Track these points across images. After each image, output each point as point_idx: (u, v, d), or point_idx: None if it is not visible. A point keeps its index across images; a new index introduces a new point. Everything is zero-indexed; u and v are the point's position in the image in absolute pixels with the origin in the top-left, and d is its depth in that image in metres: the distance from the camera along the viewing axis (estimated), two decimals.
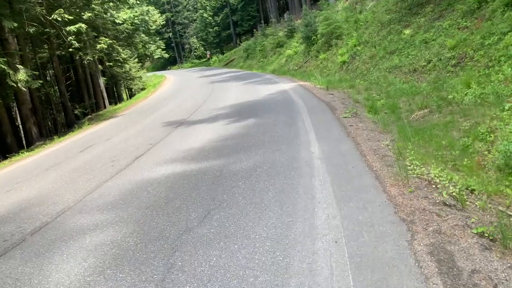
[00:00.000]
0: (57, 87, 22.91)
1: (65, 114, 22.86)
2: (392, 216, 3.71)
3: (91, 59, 25.72)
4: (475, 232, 3.32)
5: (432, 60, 12.55)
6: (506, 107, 6.63)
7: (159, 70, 60.18)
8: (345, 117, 8.51)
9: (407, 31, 16.31)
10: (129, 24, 25.35)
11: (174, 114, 14.33)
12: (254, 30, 43.05)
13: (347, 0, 27.85)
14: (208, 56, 55.47)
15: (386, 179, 4.63)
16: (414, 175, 4.69)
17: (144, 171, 7.08)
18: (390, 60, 15.56)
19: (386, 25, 18.65)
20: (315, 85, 15.62)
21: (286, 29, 33.43)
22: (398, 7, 19.23)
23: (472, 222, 3.54)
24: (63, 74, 28.42)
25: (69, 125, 21.66)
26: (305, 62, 25.18)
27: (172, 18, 65.32)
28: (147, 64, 67.17)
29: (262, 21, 43.39)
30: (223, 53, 53.77)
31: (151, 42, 42.90)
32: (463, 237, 3.24)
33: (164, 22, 59.93)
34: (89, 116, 23.83)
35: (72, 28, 14.77)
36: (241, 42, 48.69)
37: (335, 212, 3.98)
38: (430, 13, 15.83)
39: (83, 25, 14.89)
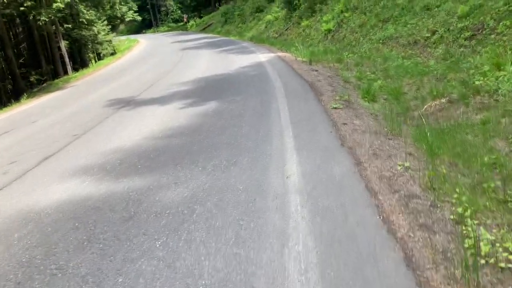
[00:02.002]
0: (2, 52, 19.67)
1: (13, 83, 19.79)
2: None
3: (46, 19, 22.44)
4: None
5: (438, 31, 10.14)
6: None
7: (134, 34, 56.12)
8: (335, 108, 6.08)
9: None
10: None
11: (127, 88, 11.68)
12: None
13: None
14: (185, 20, 51.61)
15: (434, 274, 2.27)
16: (484, 265, 2.35)
17: (37, 189, 4.60)
18: (383, 29, 13.08)
19: None
20: (296, 57, 13.07)
21: None
22: None
23: None
24: (16, 36, 25.07)
25: (17, 94, 18.69)
26: (286, 29, 22.44)
27: None
28: (121, 27, 62.75)
29: None
30: (201, 17, 50.01)
31: (122, 3, 39.14)
32: None
33: None
34: (43, 84, 20.82)
35: None
36: (220, 6, 45.13)
37: None
38: None
39: None
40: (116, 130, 6.89)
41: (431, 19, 10.95)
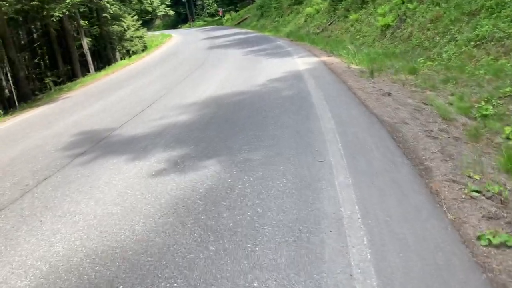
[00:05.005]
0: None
1: (17, 88, 16.94)
2: None
3: (60, 15, 19.55)
4: None
5: None
6: None
7: (170, 29, 53.21)
8: (495, 247, 2.28)
9: None
10: None
11: (116, 109, 8.27)
12: None
13: None
14: (220, 14, 48.05)
15: None
16: None
17: None
18: (473, 26, 8.96)
19: None
20: (349, 64, 9.21)
21: None
22: None
23: None
24: (30, 34, 22.34)
25: (22, 101, 15.81)
26: (330, 24, 18.42)
27: None
28: (158, 22, 60.13)
29: None
30: (236, 11, 46.26)
31: None
32: None
33: None
34: (54, 88, 17.87)
35: None
36: None
37: None
38: None
39: None
40: (28, 225, 3.42)
41: None
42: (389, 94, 5.94)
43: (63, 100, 11.52)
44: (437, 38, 9.99)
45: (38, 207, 3.94)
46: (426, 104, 5.65)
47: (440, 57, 8.86)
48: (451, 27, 9.77)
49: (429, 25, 10.83)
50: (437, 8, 11.10)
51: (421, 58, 8.95)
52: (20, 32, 23.04)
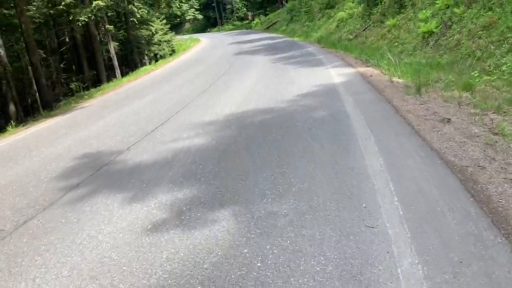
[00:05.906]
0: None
1: (39, 94, 16.49)
2: None
3: (86, 19, 19.14)
4: None
5: None
6: None
7: (199, 33, 52.81)
8: None
9: None
10: None
11: (128, 125, 7.42)
12: None
13: None
14: (249, 18, 47.23)
15: None
16: None
17: None
18: None
19: None
20: (390, 77, 8.04)
21: None
22: None
23: None
24: (58, 38, 22.05)
25: (44, 107, 15.30)
26: (364, 30, 17.18)
27: None
28: (187, 26, 59.95)
29: None
30: (266, 15, 45.31)
31: (183, 1, 35.55)
32: None
33: None
34: (76, 94, 17.37)
35: None
36: (286, 2, 40.13)
37: None
38: None
39: None
40: None
41: None
42: (448, 121, 4.77)
43: (80, 110, 10.81)
44: (492, 48, 8.68)
45: (1, 270, 3.03)
46: (496, 134, 4.47)
47: (499, 70, 7.59)
48: (509, 35, 8.46)
49: (481, 32, 9.52)
50: (489, 13, 9.77)
51: (476, 71, 7.67)
52: (51, 36, 22.86)
